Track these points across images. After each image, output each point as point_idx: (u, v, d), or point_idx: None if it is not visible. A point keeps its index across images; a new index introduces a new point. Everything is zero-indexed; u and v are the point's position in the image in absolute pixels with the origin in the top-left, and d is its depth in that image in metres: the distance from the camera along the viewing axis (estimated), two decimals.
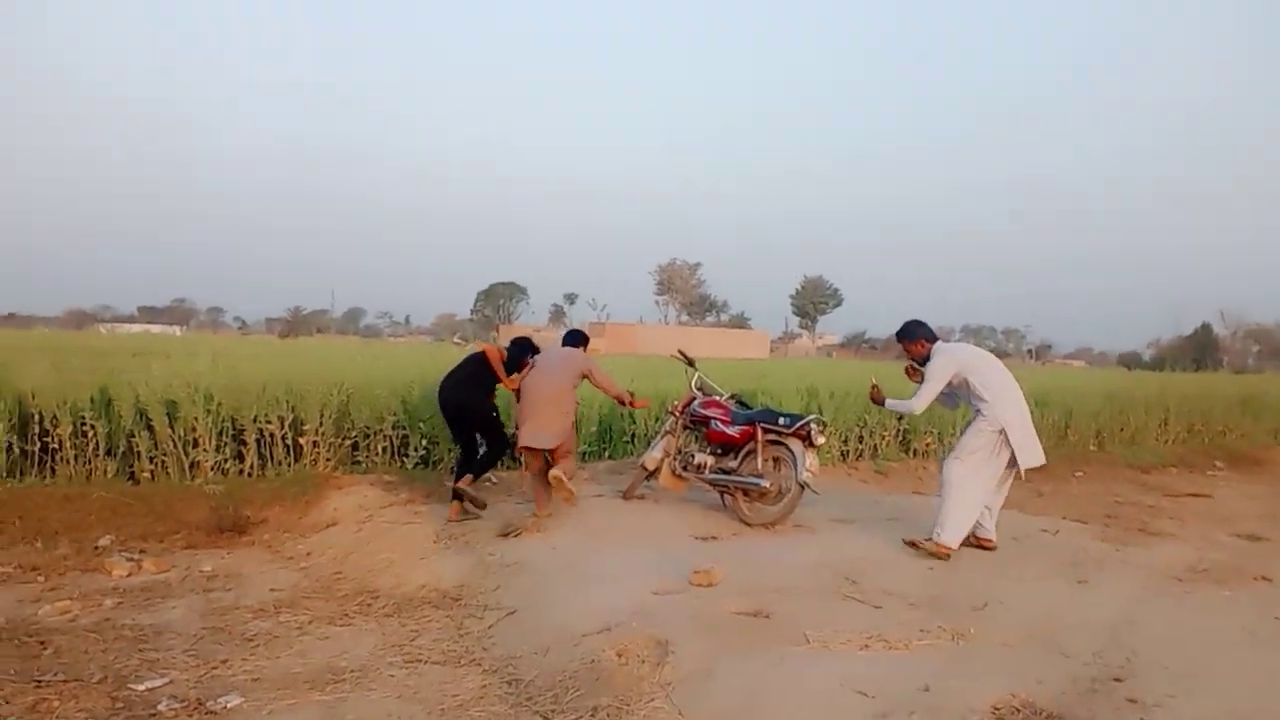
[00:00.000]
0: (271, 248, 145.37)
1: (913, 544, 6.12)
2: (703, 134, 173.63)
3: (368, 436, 8.13)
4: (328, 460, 7.84)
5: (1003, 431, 6.08)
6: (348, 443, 8.03)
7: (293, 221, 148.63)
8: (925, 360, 6.34)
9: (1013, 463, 6.16)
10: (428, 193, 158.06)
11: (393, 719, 3.71)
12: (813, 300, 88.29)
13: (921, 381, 6.30)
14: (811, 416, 6.85)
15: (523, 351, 7.35)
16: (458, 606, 5.16)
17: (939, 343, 6.39)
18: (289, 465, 7.70)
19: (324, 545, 6.38)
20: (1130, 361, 64.05)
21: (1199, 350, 60.25)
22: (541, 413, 6.77)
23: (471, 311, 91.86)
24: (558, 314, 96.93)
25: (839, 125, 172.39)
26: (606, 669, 4.06)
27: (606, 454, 9.49)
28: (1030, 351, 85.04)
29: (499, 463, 7.65)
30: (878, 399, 6.53)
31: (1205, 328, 67.81)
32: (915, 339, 6.42)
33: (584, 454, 9.06)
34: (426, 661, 4.35)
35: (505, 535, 6.34)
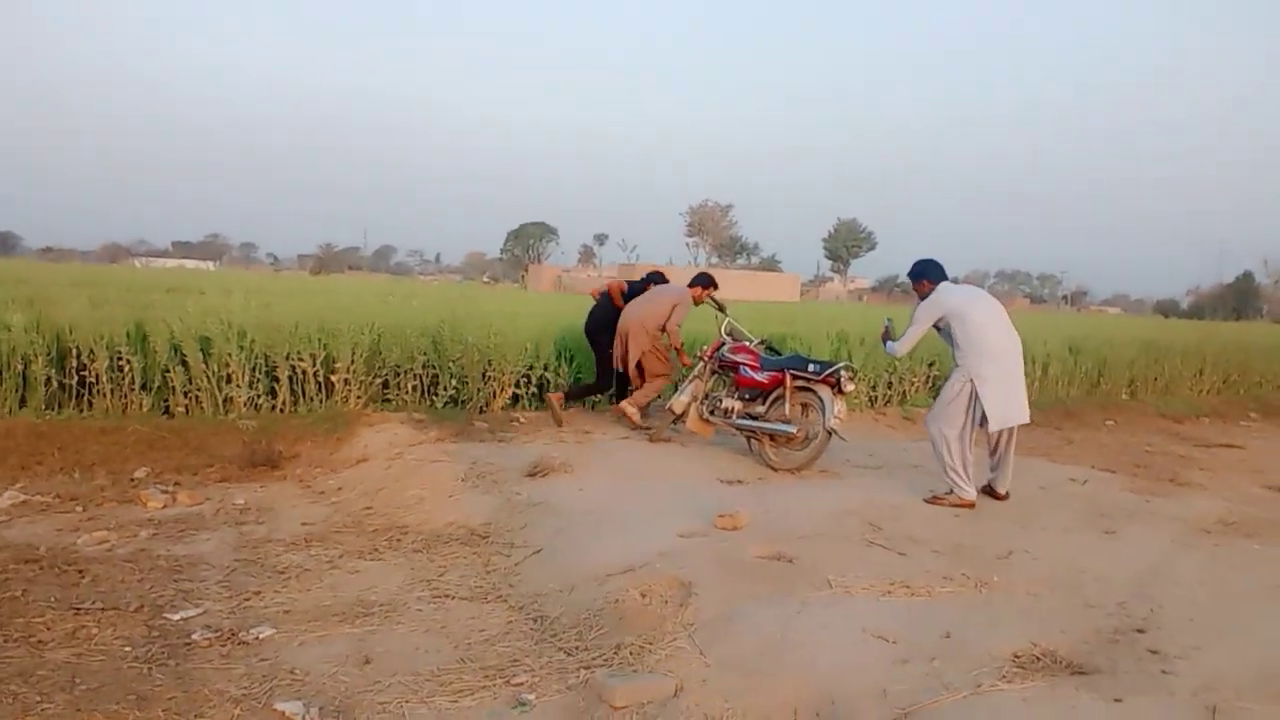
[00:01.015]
0: (304, 185, 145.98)
1: (934, 500, 6.07)
2: (740, 71, 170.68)
3: (398, 375, 8.21)
4: (359, 398, 7.93)
5: (972, 382, 5.87)
6: (378, 381, 8.12)
7: (326, 159, 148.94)
8: None
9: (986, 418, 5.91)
10: (460, 132, 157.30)
11: (420, 652, 3.79)
12: (846, 243, 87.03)
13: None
14: (842, 364, 6.80)
15: (645, 281, 8.22)
16: (485, 544, 5.23)
17: (942, 284, 6.11)
18: (321, 402, 7.80)
19: (354, 481, 6.47)
20: (1167, 309, 63.03)
21: (1239, 299, 59.08)
22: (619, 338, 7.84)
23: (501, 251, 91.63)
24: (587, 254, 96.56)
25: (874, 73, 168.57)
26: (630, 609, 4.11)
27: None
28: (1066, 297, 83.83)
29: (589, 398, 8.58)
30: (884, 338, 6.42)
31: (1247, 276, 66.29)
32: (919, 280, 6.18)
33: (611, 396, 9.07)
34: (454, 597, 4.42)
35: (533, 475, 6.39)
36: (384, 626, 4.04)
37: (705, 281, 8.02)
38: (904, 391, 10.42)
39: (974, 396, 5.90)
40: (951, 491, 6.01)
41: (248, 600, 4.29)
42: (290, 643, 3.82)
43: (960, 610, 4.12)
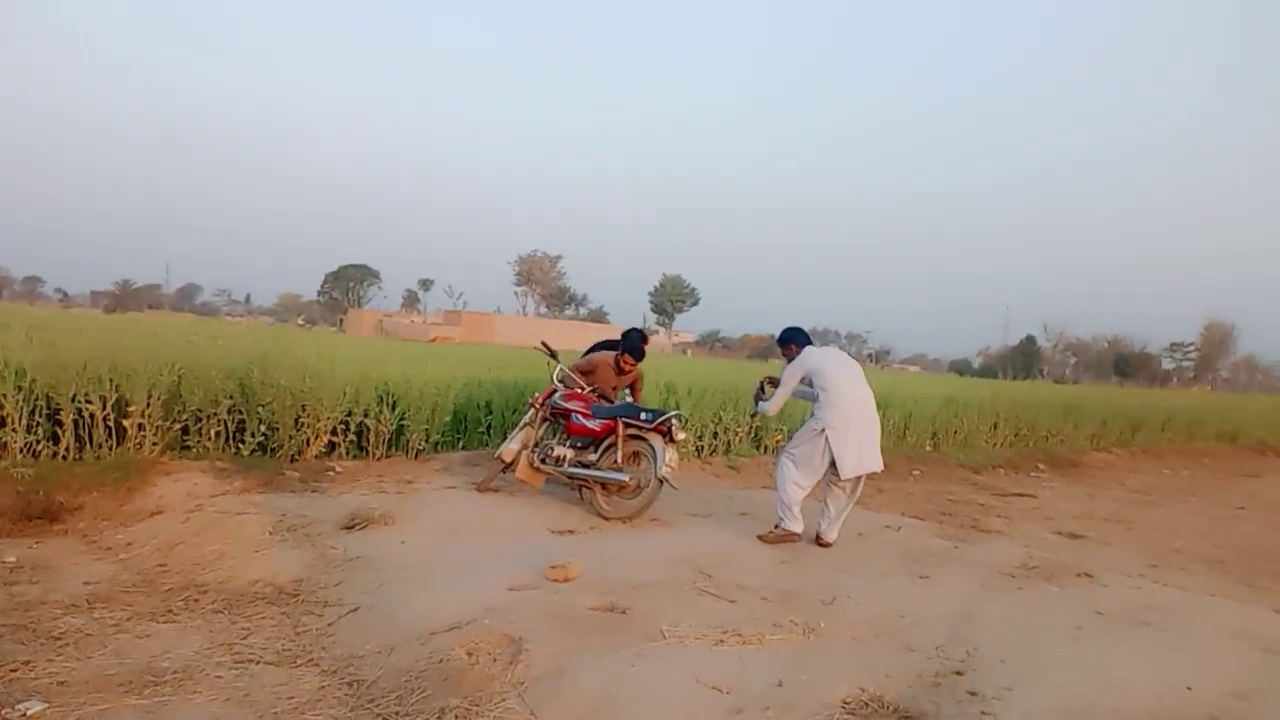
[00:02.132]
0: (99, 216, 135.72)
1: (766, 537, 6.39)
2: (577, 123, 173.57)
3: (200, 420, 7.59)
4: (154, 444, 7.27)
5: (825, 432, 6.25)
6: (177, 426, 7.47)
7: (124, 189, 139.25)
8: None
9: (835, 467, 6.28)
10: (276, 165, 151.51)
11: None
12: (670, 298, 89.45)
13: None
14: (673, 412, 6.85)
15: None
16: (295, 603, 4.85)
17: (806, 347, 6.62)
18: (110, 448, 7.10)
19: (147, 535, 5.89)
20: (961, 368, 68.10)
21: (1024, 360, 64.64)
22: None
23: (319, 293, 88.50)
24: (411, 300, 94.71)
25: (703, 138, 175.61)
26: (456, 668, 3.89)
27: (461, 445, 9.23)
28: (871, 355, 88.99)
29: None
30: (756, 399, 6.84)
31: (1030, 339, 72.75)
32: (787, 345, 6.73)
33: (436, 444, 8.79)
34: (258, 662, 4.05)
35: (350, 527, 6.03)
36: (177, 697, 3.63)
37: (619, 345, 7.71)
38: (729, 441, 10.63)
39: (827, 444, 6.24)
40: (779, 525, 6.26)
41: (15, 671, 3.76)
42: (65, 719, 3.36)
43: (791, 657, 4.14)
